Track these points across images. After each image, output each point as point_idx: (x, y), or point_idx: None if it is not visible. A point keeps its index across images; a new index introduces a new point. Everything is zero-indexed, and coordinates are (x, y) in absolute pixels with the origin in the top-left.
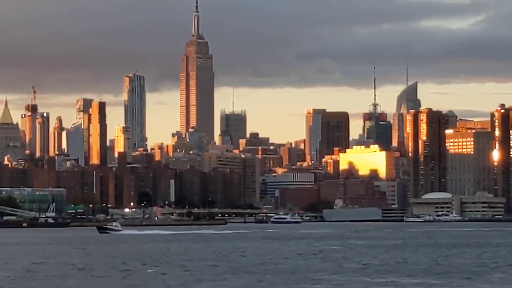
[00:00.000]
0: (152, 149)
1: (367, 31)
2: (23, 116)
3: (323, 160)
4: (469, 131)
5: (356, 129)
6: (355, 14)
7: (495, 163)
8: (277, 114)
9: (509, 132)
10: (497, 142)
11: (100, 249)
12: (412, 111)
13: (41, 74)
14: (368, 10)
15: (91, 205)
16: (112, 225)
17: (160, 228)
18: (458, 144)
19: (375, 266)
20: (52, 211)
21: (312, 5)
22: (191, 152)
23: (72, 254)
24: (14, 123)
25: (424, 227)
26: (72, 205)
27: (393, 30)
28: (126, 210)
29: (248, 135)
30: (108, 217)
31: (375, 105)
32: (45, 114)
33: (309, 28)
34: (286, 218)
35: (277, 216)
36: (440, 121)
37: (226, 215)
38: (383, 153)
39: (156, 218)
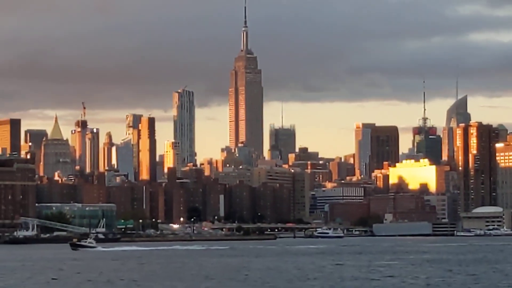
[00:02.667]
0: (201, 164)
1: (417, 44)
2: (73, 132)
3: (373, 174)
4: None
5: (405, 143)
6: (405, 27)
7: None
8: (326, 128)
9: None
10: None
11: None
12: (462, 124)
13: (90, 90)
14: (418, 23)
15: (141, 221)
16: (86, 242)
17: (208, 243)
18: (509, 158)
19: None
20: (102, 227)
21: (362, 19)
22: (241, 167)
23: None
24: (64, 139)
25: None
26: (122, 221)
27: (443, 44)
28: (175, 225)
29: (297, 150)
30: (158, 232)
31: (424, 119)
32: (95, 130)
33: (359, 42)
34: (328, 233)
35: (321, 231)
36: (490, 134)
37: (276, 230)
38: (433, 167)
39: (209, 233)
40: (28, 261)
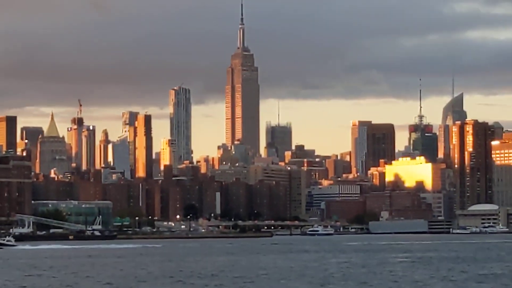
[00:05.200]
0: (198, 161)
1: (414, 42)
2: (69, 129)
3: (369, 172)
4: None
5: (402, 140)
6: (402, 25)
7: None
8: (323, 126)
9: None
10: None
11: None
12: (458, 122)
13: (87, 87)
14: (415, 21)
15: (137, 218)
16: (4, 240)
17: (199, 241)
18: (504, 156)
19: None
20: (99, 224)
21: (359, 17)
22: (237, 164)
23: None
24: (60, 136)
25: None
26: (118, 218)
27: (440, 41)
28: (182, 225)
29: (293, 147)
30: (154, 230)
31: (421, 116)
32: (91, 127)
33: (356, 39)
34: (318, 231)
35: (311, 229)
36: (486, 132)
37: (272, 227)
38: (429, 164)
39: (203, 230)
40: None
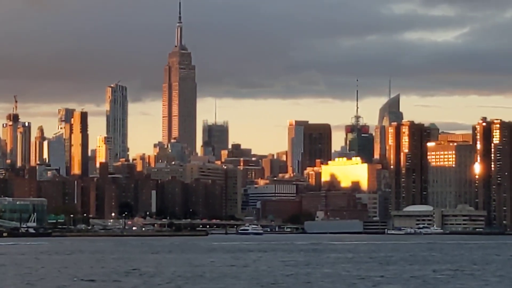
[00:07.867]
0: (134, 159)
1: (352, 42)
2: (5, 125)
3: (305, 172)
4: (451, 144)
5: (338, 141)
6: (340, 25)
7: (477, 176)
8: (259, 125)
9: (491, 145)
10: (478, 155)
11: None
12: (394, 123)
13: (23, 83)
14: (353, 21)
15: (72, 215)
16: None
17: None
18: (440, 157)
19: None
20: (33, 221)
21: (299, 17)
22: (173, 163)
23: None
24: None
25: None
26: (53, 215)
27: (378, 42)
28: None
29: (230, 146)
30: (89, 227)
31: (357, 117)
32: (26, 124)
33: (294, 39)
34: (248, 230)
35: (243, 228)
36: (422, 133)
37: (208, 226)
38: (365, 165)
39: (136, 228)
40: None
